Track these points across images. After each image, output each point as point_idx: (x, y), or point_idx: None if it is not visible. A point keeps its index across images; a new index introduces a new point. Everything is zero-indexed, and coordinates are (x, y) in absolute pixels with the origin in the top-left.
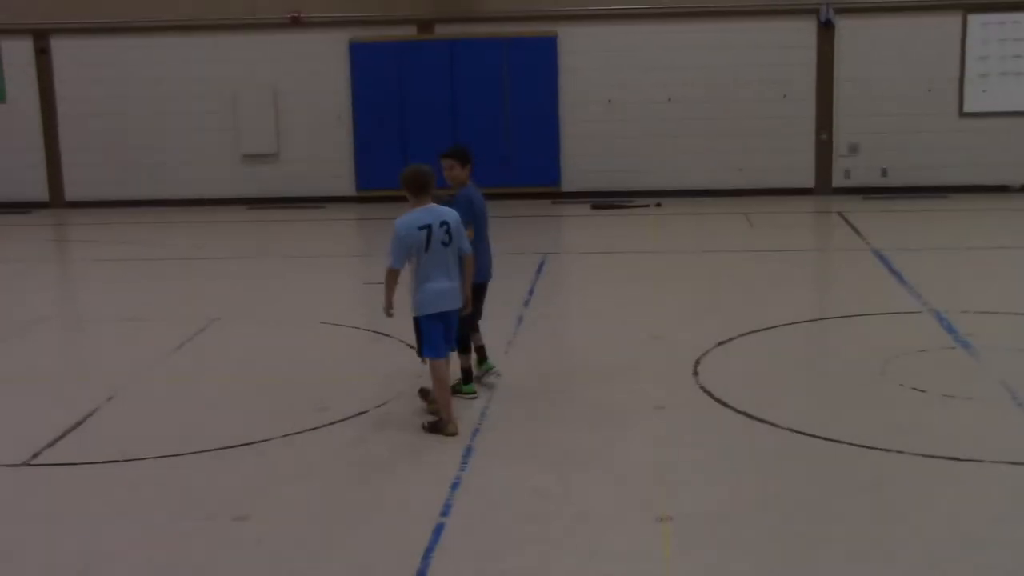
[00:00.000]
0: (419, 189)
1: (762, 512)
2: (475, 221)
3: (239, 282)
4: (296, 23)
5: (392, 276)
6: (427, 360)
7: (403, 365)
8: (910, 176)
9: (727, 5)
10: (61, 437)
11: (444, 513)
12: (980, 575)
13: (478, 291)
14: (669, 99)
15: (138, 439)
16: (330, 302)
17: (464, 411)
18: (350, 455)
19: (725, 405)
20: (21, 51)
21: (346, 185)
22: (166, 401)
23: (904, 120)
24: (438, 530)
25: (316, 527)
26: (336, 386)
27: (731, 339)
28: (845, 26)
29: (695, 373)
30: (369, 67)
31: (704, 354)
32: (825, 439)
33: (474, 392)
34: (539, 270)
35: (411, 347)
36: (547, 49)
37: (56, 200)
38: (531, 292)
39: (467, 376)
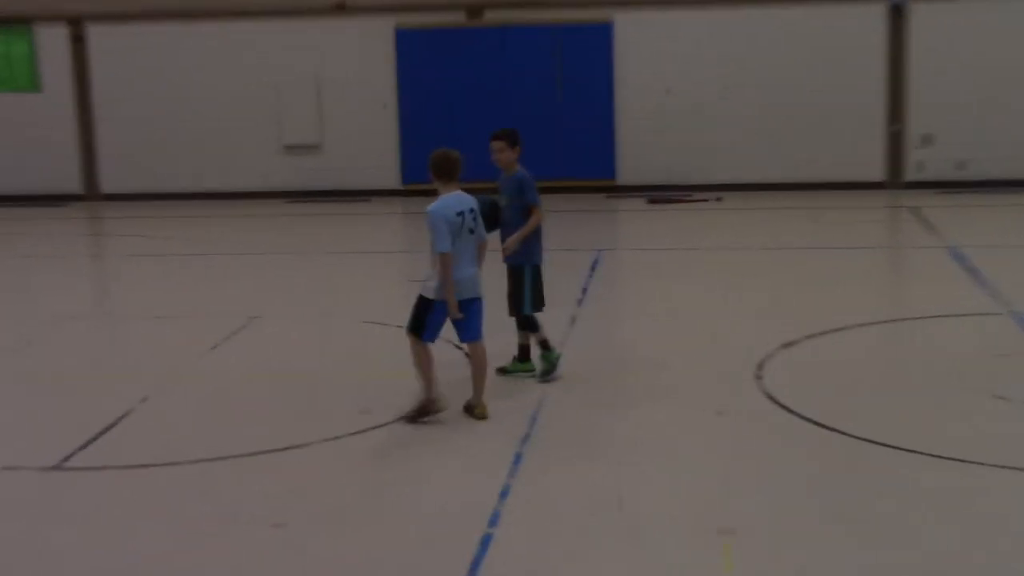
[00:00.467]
0: (448, 174)
1: (832, 529)
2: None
3: (279, 279)
4: (340, 9)
5: (447, 262)
6: (412, 335)
7: (448, 367)
8: (989, 169)
9: None
10: (94, 440)
11: (492, 523)
12: None
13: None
14: (730, 88)
15: (173, 442)
16: (373, 300)
17: (513, 416)
18: (393, 460)
19: (791, 412)
20: (56, 39)
21: (391, 178)
22: (203, 402)
23: (983, 109)
24: (485, 541)
25: (357, 537)
26: (379, 387)
27: (796, 341)
28: (918, 10)
29: (758, 377)
30: (416, 55)
31: (768, 357)
32: (900, 449)
33: (533, 368)
34: (593, 268)
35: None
36: (602, 36)
37: (91, 192)
38: (584, 291)
39: (544, 344)
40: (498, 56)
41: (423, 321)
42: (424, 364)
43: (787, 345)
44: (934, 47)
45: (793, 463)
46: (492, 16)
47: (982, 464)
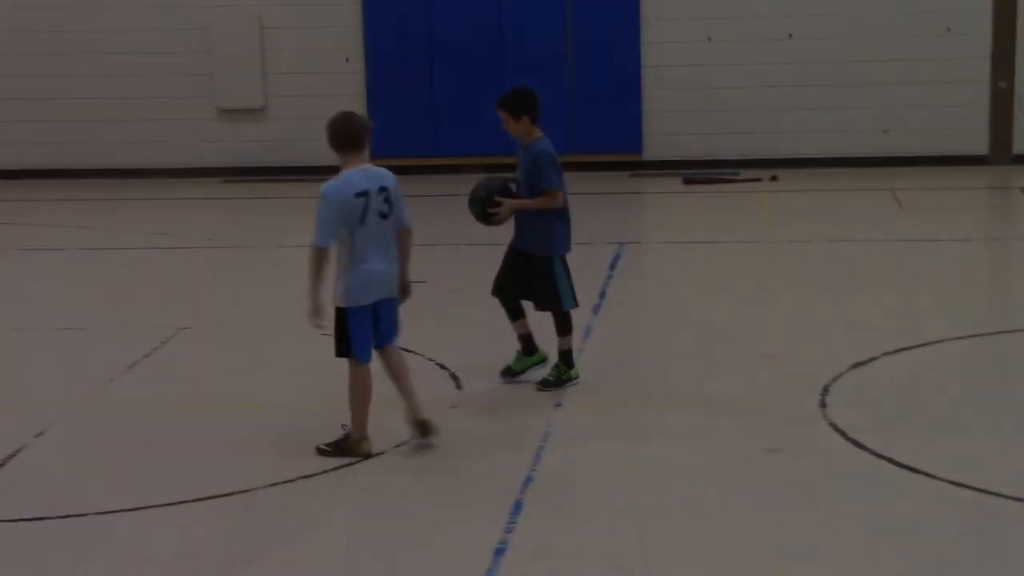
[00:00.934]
0: (349, 143)
1: None
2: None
3: (213, 280)
4: None
5: (320, 259)
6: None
7: (433, 391)
8: None
9: None
10: None
11: None
12: None
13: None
14: (790, 35)
15: (75, 488)
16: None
17: (512, 452)
18: (363, 511)
19: (863, 448)
20: None
21: None
22: (114, 438)
23: None
24: None
25: None
26: (337, 418)
27: (871, 359)
28: None
29: (823, 405)
30: None
31: (834, 379)
32: (1002, 496)
33: (545, 357)
34: (613, 265)
35: (442, 367)
36: None
37: None
38: (602, 295)
39: (567, 358)
40: None
41: (347, 337)
42: (359, 393)
43: (859, 365)
44: None
45: (866, 515)
46: None
47: None
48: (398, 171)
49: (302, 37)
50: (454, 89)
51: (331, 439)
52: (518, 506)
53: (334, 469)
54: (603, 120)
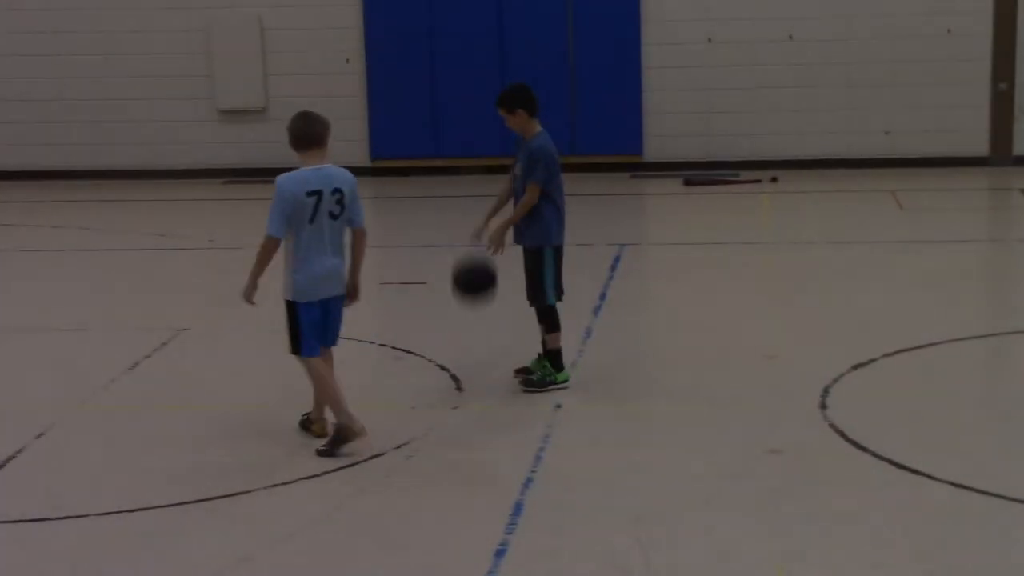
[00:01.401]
0: (306, 142)
1: None
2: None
3: (214, 281)
4: None
5: (269, 248)
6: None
7: (433, 391)
8: None
9: None
10: None
11: None
12: None
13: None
14: (791, 37)
15: (77, 489)
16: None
17: (511, 454)
18: (363, 512)
19: (864, 450)
20: None
21: (356, 152)
22: (115, 439)
23: None
24: None
25: None
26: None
27: (871, 361)
28: None
29: (823, 405)
30: None
31: (835, 381)
32: (1003, 497)
33: (567, 379)
34: (613, 268)
35: (442, 368)
36: None
37: None
38: (603, 297)
39: (556, 360)
40: None
41: (296, 333)
42: (323, 385)
43: (859, 366)
44: None
45: (868, 516)
46: None
47: None
48: (398, 172)
49: (303, 38)
50: (454, 90)
51: (326, 441)
52: (518, 507)
53: (334, 470)
54: (604, 121)
